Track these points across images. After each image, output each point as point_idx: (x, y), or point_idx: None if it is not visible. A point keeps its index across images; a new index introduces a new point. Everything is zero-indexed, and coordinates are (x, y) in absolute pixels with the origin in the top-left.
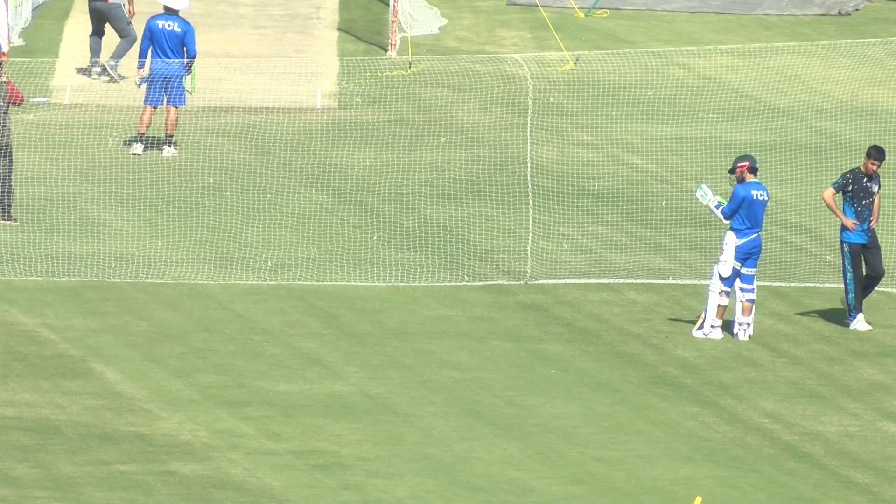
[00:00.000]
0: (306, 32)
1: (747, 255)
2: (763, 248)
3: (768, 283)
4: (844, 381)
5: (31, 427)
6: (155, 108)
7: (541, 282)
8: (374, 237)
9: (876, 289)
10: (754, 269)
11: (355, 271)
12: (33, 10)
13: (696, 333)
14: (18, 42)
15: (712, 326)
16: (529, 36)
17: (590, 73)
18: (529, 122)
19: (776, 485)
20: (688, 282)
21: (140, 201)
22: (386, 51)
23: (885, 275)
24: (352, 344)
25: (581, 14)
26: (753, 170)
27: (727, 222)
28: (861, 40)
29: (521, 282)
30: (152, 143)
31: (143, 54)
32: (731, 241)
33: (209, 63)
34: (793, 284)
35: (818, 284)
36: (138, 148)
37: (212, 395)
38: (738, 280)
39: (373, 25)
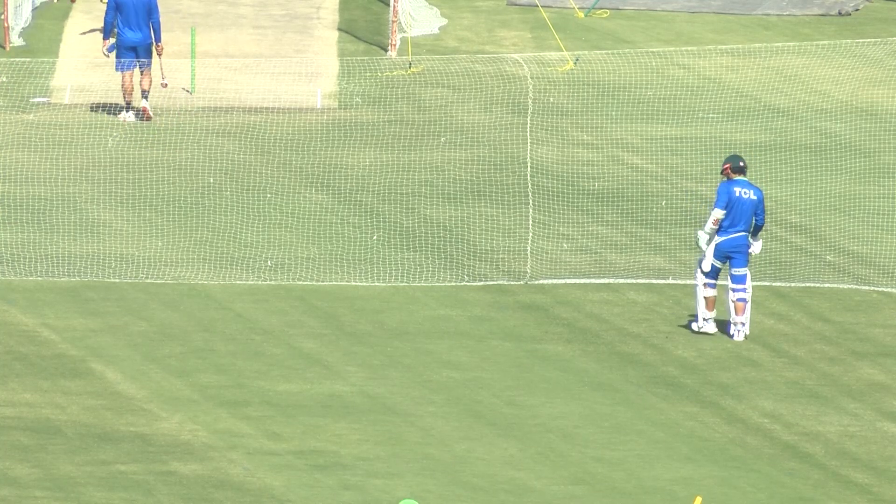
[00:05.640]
0: (306, 32)
1: (729, 254)
2: (763, 248)
3: (768, 283)
4: (844, 381)
5: (31, 427)
6: (127, 71)
7: (541, 282)
8: (374, 237)
9: (875, 289)
10: (744, 269)
11: (355, 271)
12: (33, 10)
13: (693, 326)
14: (18, 42)
15: (705, 319)
16: (529, 36)
17: (590, 73)
18: (529, 122)
19: (776, 485)
20: (688, 282)
21: (140, 201)
22: (386, 51)
23: (885, 275)
24: (352, 344)
25: (581, 14)
26: (739, 170)
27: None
28: (861, 40)
29: (521, 282)
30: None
31: (109, 27)
32: (703, 238)
33: (209, 63)
34: (793, 284)
35: (818, 284)
36: (129, 116)
37: (212, 395)
38: (730, 281)
39: (373, 25)
